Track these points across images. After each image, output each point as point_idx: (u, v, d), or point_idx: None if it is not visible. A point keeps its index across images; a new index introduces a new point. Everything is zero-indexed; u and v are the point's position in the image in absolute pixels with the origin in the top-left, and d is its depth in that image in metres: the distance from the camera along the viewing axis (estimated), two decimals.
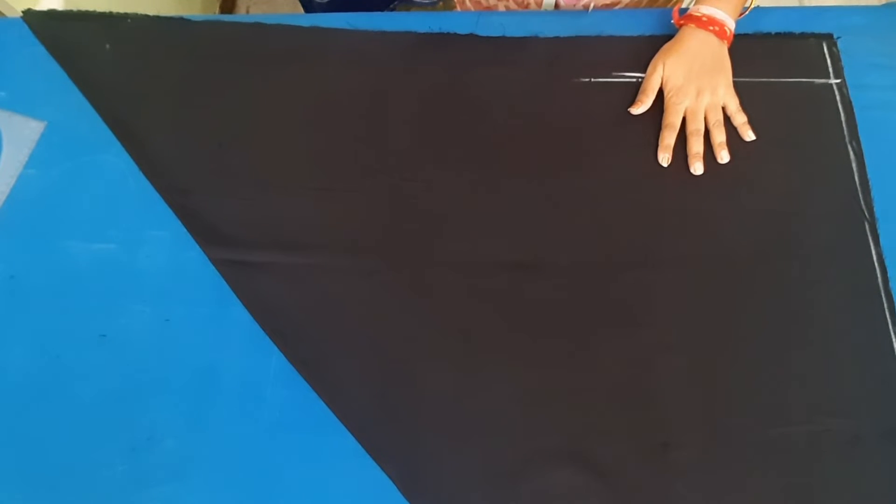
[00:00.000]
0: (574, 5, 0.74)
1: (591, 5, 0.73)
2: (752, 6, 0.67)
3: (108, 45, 0.70)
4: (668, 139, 0.64)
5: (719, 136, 0.63)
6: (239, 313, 0.59)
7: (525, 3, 0.76)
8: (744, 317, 0.58)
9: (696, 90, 0.64)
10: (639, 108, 0.65)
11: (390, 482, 0.53)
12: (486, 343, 0.58)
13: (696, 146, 0.63)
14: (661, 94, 0.66)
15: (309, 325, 0.59)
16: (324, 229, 0.62)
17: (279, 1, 1.76)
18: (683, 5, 0.72)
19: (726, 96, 0.64)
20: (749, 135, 0.64)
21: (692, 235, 0.61)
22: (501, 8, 0.80)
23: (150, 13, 0.71)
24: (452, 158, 0.65)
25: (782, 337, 0.57)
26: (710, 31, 0.64)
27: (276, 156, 0.65)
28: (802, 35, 0.68)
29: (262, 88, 0.68)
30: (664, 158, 0.63)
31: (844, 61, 0.67)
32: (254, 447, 0.55)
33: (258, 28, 0.70)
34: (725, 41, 0.64)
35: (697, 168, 0.63)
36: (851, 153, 0.63)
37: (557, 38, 0.69)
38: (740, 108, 0.64)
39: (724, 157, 0.63)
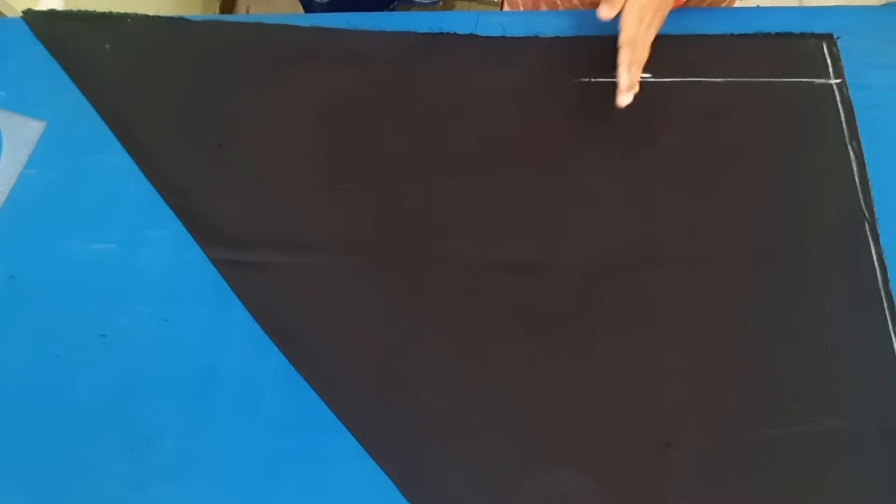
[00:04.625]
0: None
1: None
2: None
3: (108, 45, 0.69)
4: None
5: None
6: (239, 313, 0.59)
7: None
8: (744, 317, 0.58)
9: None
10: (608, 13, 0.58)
11: (390, 482, 0.53)
12: (485, 343, 0.58)
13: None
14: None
15: (309, 325, 0.58)
16: (324, 229, 0.62)
17: (279, 1, 1.76)
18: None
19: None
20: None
21: (692, 235, 0.61)
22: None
23: (150, 13, 0.71)
24: (452, 158, 0.65)
25: (782, 337, 0.57)
26: None
27: (276, 156, 0.65)
28: (802, 35, 0.68)
29: (262, 88, 0.68)
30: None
31: (844, 61, 0.67)
32: (254, 447, 0.55)
33: (258, 28, 0.70)
34: None
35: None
36: (851, 153, 0.63)
37: (557, 38, 0.69)
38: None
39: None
